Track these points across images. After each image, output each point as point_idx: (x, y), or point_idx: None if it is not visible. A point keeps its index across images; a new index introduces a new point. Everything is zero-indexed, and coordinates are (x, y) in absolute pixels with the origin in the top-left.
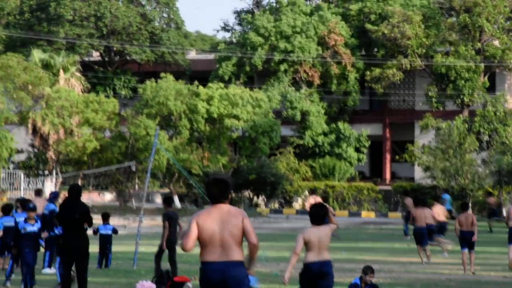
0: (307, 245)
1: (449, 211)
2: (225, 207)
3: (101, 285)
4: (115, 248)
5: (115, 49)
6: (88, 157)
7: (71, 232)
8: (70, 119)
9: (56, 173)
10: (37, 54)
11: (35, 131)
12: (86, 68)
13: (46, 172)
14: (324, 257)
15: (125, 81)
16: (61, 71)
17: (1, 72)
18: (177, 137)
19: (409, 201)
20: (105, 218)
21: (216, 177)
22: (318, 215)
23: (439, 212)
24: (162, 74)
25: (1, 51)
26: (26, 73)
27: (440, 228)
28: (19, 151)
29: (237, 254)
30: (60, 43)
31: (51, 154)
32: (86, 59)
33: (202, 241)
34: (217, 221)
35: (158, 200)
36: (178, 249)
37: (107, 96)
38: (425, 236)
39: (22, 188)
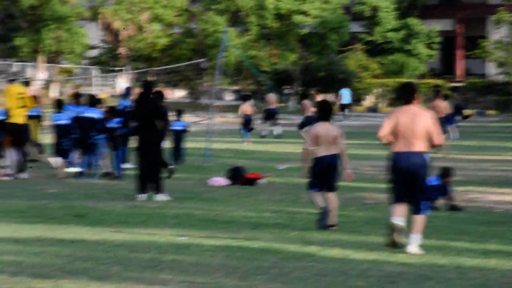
0: (317, 140)
1: (349, 105)
2: (414, 108)
3: (174, 180)
4: (187, 144)
5: None
6: (158, 54)
7: (145, 128)
8: (140, 15)
9: (128, 70)
10: None
11: (106, 27)
12: None
13: (118, 68)
14: (332, 151)
15: None
16: None
17: None
18: (246, 34)
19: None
20: (179, 114)
21: (407, 82)
22: (325, 111)
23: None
24: None
25: None
26: None
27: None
28: (91, 47)
29: (420, 147)
30: None
31: (122, 50)
32: None
33: (396, 134)
34: (409, 118)
35: (228, 97)
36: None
37: None
38: None
39: (94, 84)
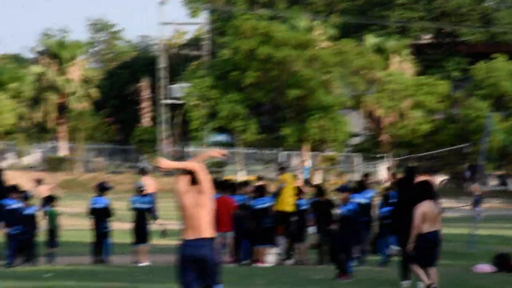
0: (423, 217)
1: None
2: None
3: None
4: (450, 230)
5: (446, 31)
6: (420, 140)
7: (406, 213)
8: (402, 102)
9: (390, 156)
10: (369, 39)
11: (369, 114)
12: (417, 51)
13: (380, 155)
14: (435, 228)
15: (456, 63)
16: (393, 55)
17: (337, 58)
18: (510, 118)
19: None
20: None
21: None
22: (429, 191)
23: None
24: (494, 55)
25: (336, 37)
26: (360, 57)
27: None
28: (354, 135)
29: None
30: (392, 27)
31: (384, 137)
32: (417, 41)
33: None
34: None
35: (492, 182)
36: None
37: (439, 79)
38: None
39: (357, 171)
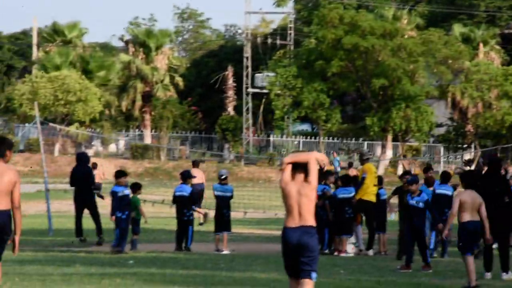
0: (462, 207)
1: None
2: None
3: None
4: None
5: None
6: (506, 130)
7: (490, 205)
8: (489, 92)
9: (475, 147)
10: (457, 28)
11: (454, 104)
12: (506, 40)
13: (465, 145)
14: (476, 218)
15: None
16: (481, 45)
17: (423, 47)
18: None
19: None
20: None
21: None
22: (471, 181)
23: None
24: None
25: (423, 26)
26: (447, 47)
27: None
28: (438, 125)
29: None
30: (481, 16)
31: (469, 127)
32: (506, 31)
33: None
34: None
35: None
36: None
37: None
38: None
39: (441, 161)
